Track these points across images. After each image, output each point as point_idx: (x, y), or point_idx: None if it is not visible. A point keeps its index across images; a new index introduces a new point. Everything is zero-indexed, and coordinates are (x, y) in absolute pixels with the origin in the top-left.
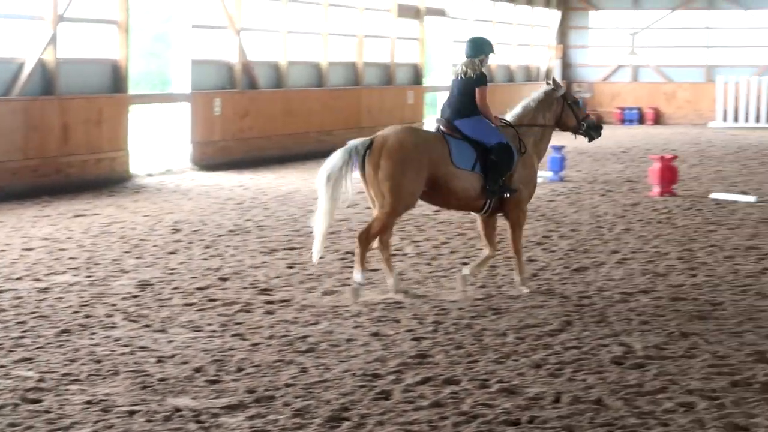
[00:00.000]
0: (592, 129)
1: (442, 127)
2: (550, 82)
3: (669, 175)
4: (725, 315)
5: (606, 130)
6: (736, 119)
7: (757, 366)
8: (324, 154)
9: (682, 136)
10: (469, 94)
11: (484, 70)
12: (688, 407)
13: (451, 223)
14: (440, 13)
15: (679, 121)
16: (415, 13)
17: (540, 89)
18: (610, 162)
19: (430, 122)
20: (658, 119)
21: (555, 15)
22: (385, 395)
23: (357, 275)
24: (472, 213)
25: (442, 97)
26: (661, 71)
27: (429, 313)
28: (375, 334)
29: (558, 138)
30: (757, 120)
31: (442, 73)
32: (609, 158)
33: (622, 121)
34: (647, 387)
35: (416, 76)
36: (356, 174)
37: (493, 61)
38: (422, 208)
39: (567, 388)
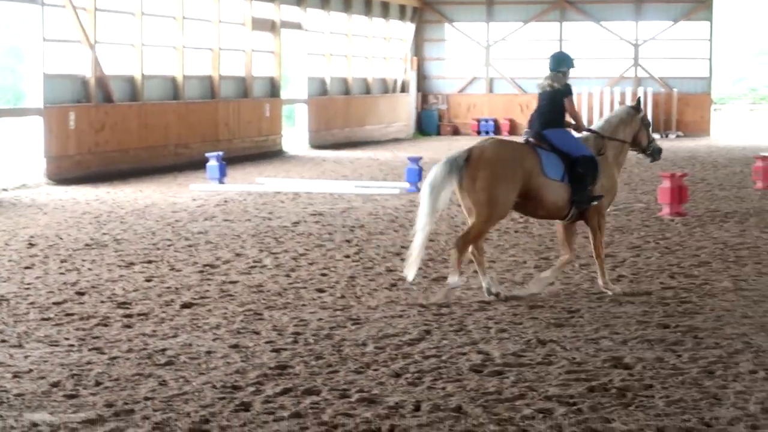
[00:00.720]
0: (656, 151)
1: (531, 139)
2: (636, 104)
3: None
4: (582, 322)
5: (462, 141)
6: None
7: (613, 371)
8: (181, 167)
9: None
10: (557, 106)
11: (567, 81)
12: (547, 413)
13: (310, 235)
14: (296, 26)
15: None
16: (270, 26)
17: (623, 107)
18: None
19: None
20: (513, 130)
21: (410, 28)
22: (245, 407)
23: (453, 278)
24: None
25: (300, 109)
26: (516, 83)
27: (289, 325)
28: (235, 346)
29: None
30: None
31: (299, 85)
32: None
33: (479, 132)
34: (506, 394)
35: (273, 89)
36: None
37: (350, 73)
38: (280, 219)
39: (427, 396)
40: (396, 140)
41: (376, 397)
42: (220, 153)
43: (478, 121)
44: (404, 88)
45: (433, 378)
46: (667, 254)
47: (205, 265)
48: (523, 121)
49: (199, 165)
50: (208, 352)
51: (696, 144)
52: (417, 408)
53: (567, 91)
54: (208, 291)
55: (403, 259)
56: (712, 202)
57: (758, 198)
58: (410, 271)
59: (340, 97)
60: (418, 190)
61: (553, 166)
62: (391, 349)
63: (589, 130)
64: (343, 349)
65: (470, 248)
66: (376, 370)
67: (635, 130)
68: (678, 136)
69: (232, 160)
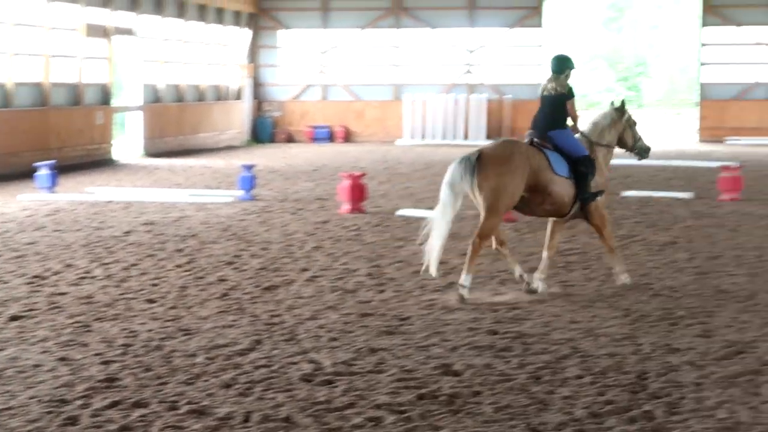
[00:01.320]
0: (644, 150)
1: (535, 139)
2: (620, 105)
3: (358, 192)
4: (412, 329)
5: (297, 149)
6: (423, 136)
7: (442, 379)
8: (10, 176)
9: (371, 154)
10: (559, 108)
11: (570, 83)
12: (376, 422)
13: (142, 245)
14: (128, 32)
15: (369, 138)
16: (103, 32)
17: (609, 110)
18: (301, 180)
19: (523, 136)
20: (348, 137)
21: (245, 34)
22: (73, 421)
23: (465, 278)
24: (551, 218)
25: (134, 117)
26: (350, 90)
27: (118, 336)
28: (62, 359)
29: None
30: (444, 137)
31: (133, 92)
32: (300, 176)
33: (313, 140)
34: (336, 403)
35: (105, 96)
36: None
37: (184, 80)
38: (111, 229)
39: (257, 407)
40: (230, 148)
41: (205, 408)
42: (51, 162)
43: (313, 128)
44: (239, 96)
45: (263, 388)
46: (497, 261)
47: (34, 277)
48: (358, 128)
49: (30, 174)
50: (35, 366)
51: None
52: (246, 419)
53: (570, 94)
54: (36, 303)
55: (236, 269)
56: None
57: None
58: (433, 270)
59: (174, 104)
60: (252, 198)
61: (560, 164)
62: (221, 359)
63: (582, 134)
64: (173, 360)
65: (494, 246)
66: (206, 380)
67: (620, 131)
68: None
69: (63, 169)
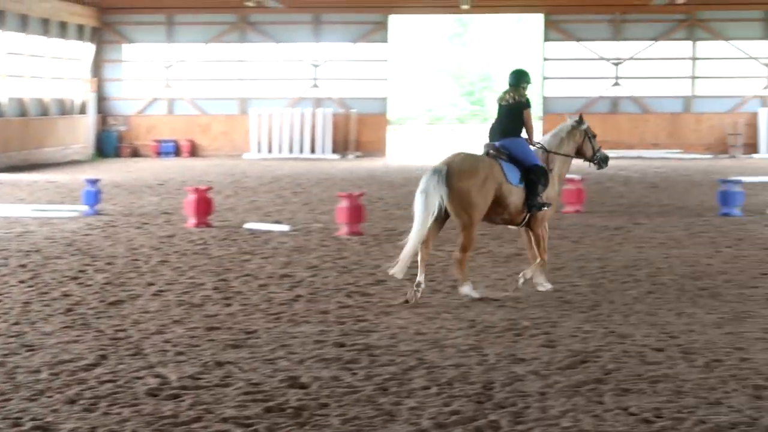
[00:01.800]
0: (603, 160)
1: (491, 151)
2: (578, 119)
3: (204, 206)
4: (259, 342)
5: (142, 163)
6: (270, 150)
7: (289, 391)
8: None
9: (217, 167)
10: (516, 117)
11: (527, 95)
12: None
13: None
14: None
15: (215, 153)
16: None
17: (568, 123)
18: (147, 194)
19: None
20: (194, 151)
21: (89, 48)
22: None
23: (466, 288)
24: (511, 227)
25: None
26: (196, 104)
27: None
28: None
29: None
30: (290, 150)
31: None
32: (145, 191)
33: (159, 154)
34: (182, 417)
35: None
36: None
37: (27, 94)
38: None
39: (102, 422)
40: (75, 162)
41: (49, 425)
42: None
43: (159, 142)
44: (83, 110)
45: (108, 403)
46: (345, 273)
47: None
48: (204, 142)
49: None
50: None
51: (374, 164)
52: None
53: (527, 104)
54: None
55: (81, 284)
56: (389, 221)
57: None
58: (400, 272)
59: (17, 118)
60: (97, 213)
61: (513, 174)
62: (66, 375)
63: (538, 145)
64: (17, 377)
65: (422, 248)
66: (50, 396)
67: (579, 142)
68: (357, 157)
69: None
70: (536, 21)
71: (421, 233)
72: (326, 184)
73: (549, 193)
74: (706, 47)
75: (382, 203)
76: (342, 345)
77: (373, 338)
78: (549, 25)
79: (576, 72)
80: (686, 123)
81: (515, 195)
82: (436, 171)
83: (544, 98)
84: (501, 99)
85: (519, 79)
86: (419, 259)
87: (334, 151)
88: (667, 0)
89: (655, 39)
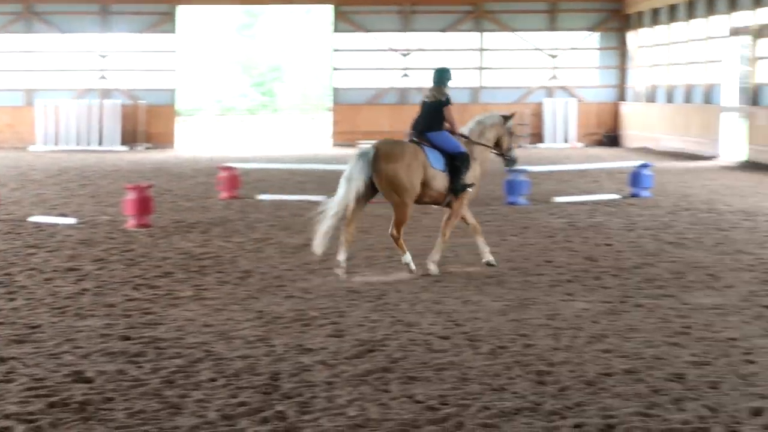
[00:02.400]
0: (512, 160)
1: (415, 138)
2: (508, 115)
3: None
4: (43, 337)
5: None
6: (56, 142)
7: (74, 386)
8: None
9: (2, 160)
10: (438, 113)
11: (448, 93)
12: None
13: None
14: None
15: (1, 145)
16: None
17: (495, 114)
18: None
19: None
20: None
21: None
22: None
23: (406, 257)
24: (434, 206)
25: None
26: None
27: None
28: None
29: None
30: (78, 142)
31: None
32: None
33: None
34: None
35: None
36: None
37: None
38: None
39: None
40: None
41: None
42: None
43: None
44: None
45: None
46: (132, 266)
47: None
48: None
49: None
50: None
51: (163, 155)
52: None
53: (448, 101)
54: None
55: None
56: (177, 213)
57: (222, 208)
58: (319, 248)
59: None
60: None
61: (437, 160)
62: None
63: (461, 135)
64: None
65: (345, 228)
66: None
67: (500, 134)
68: (147, 148)
69: None
70: (325, 12)
71: (337, 213)
72: (114, 176)
73: (470, 176)
74: (493, 38)
75: (170, 195)
76: (128, 338)
77: (160, 331)
78: (338, 16)
79: (366, 63)
80: (474, 113)
81: (438, 179)
82: (362, 155)
83: (334, 89)
84: (425, 96)
85: (441, 77)
86: (342, 239)
87: (123, 142)
88: None
89: (444, 30)
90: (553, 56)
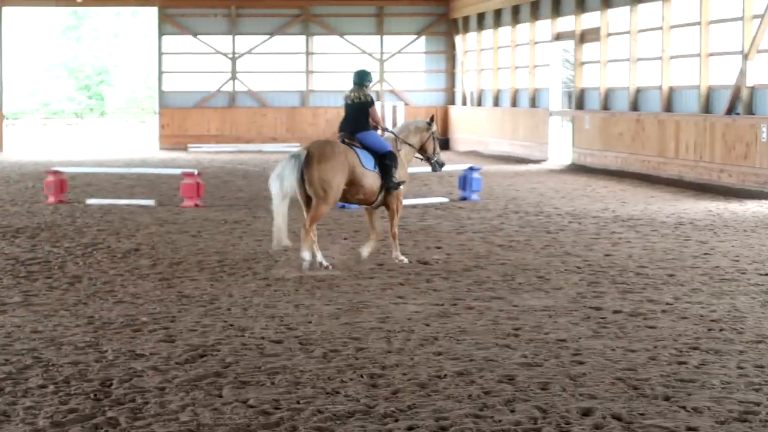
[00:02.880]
0: (439, 164)
1: (346, 140)
2: (429, 120)
3: None
4: None
5: None
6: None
7: None
8: None
9: None
10: (363, 113)
11: (370, 93)
12: None
13: None
14: None
15: None
16: None
17: (421, 120)
18: None
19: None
20: None
21: None
22: None
23: (305, 253)
24: (363, 207)
25: None
26: None
27: None
28: None
29: None
30: None
31: None
32: None
33: None
34: None
35: None
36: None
37: None
38: None
39: None
40: None
41: None
42: None
43: None
44: None
45: None
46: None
47: None
48: None
49: None
50: None
51: None
52: None
53: (372, 102)
54: None
55: None
56: (4, 218)
57: (50, 212)
58: (285, 241)
59: None
60: None
61: (368, 160)
62: None
63: (389, 132)
64: None
65: (310, 233)
66: None
67: (424, 139)
68: None
69: None
70: (151, 14)
71: (280, 210)
72: None
73: (401, 173)
74: (321, 42)
75: None
76: None
77: None
78: (164, 18)
79: (194, 66)
80: (303, 117)
81: (369, 178)
82: (294, 156)
83: (162, 92)
84: (347, 98)
85: (362, 78)
86: (303, 239)
87: None
88: None
89: (272, 33)
90: (381, 60)
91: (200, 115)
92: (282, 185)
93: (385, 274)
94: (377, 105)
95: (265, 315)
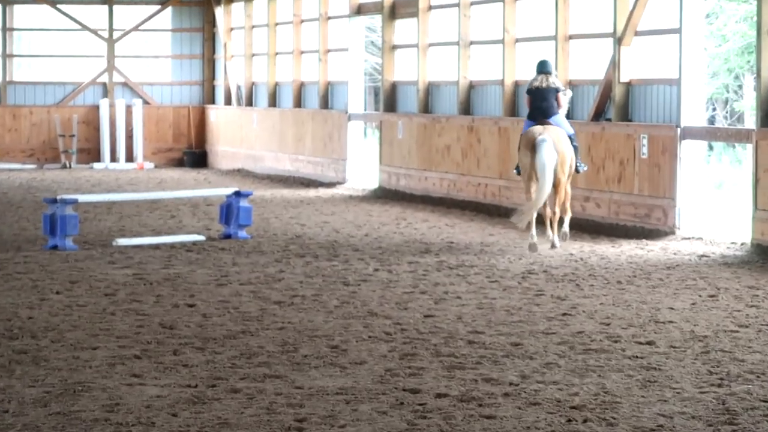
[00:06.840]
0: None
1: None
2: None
3: None
4: None
5: None
6: None
7: None
8: None
9: None
10: (553, 99)
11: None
12: None
13: None
14: None
15: None
16: None
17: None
18: None
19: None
20: None
21: None
22: None
23: (533, 236)
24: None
25: None
26: None
27: None
28: None
29: None
30: None
31: None
32: None
33: None
34: None
35: None
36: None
37: None
38: None
39: None
40: None
41: None
42: None
43: None
44: None
45: None
46: None
47: None
48: None
49: None
50: None
51: None
52: None
53: (560, 88)
54: None
55: None
56: None
57: None
58: (522, 222)
59: None
60: None
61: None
62: None
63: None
64: None
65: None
66: None
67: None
68: None
69: None
70: None
71: (547, 189)
72: None
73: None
74: (25, 14)
75: None
76: None
77: None
78: None
79: None
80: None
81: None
82: (543, 141)
83: None
84: (532, 85)
85: (546, 67)
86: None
87: None
88: None
89: None
90: (110, 39)
91: None
92: (550, 170)
93: (114, 344)
94: None
95: None
